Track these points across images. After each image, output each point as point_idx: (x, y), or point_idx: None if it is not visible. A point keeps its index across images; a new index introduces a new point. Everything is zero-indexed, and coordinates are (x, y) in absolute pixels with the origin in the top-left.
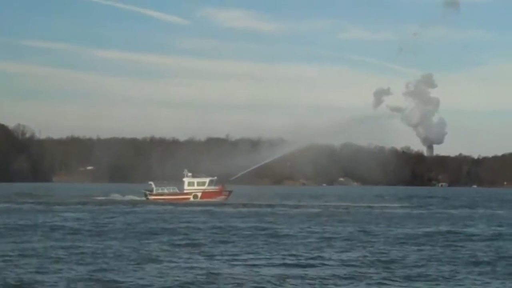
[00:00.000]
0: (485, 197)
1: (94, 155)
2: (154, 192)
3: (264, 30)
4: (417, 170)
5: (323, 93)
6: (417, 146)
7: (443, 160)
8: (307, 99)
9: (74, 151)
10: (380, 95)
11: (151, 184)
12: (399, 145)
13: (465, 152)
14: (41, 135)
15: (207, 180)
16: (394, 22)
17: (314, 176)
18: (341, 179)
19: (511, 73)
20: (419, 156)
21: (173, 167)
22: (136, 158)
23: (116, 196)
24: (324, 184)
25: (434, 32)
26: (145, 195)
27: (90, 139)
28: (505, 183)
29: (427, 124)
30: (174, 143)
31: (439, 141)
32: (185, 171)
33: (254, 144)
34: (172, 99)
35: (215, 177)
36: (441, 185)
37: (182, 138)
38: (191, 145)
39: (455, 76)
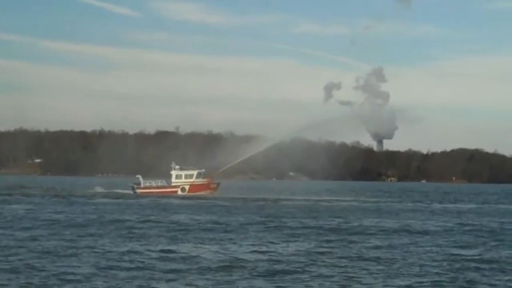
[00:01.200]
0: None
1: (42, 148)
2: (142, 185)
3: (215, 23)
4: (367, 165)
5: (273, 86)
6: (367, 141)
7: (392, 155)
8: (257, 92)
9: (22, 144)
10: (330, 89)
11: (138, 178)
12: (349, 140)
13: (415, 148)
14: None
15: (194, 172)
16: (346, 16)
17: (264, 171)
18: (291, 173)
19: (462, 68)
20: (369, 151)
21: (122, 161)
22: (85, 151)
23: (100, 190)
24: (274, 179)
25: (386, 27)
26: (133, 189)
27: (38, 132)
28: (453, 178)
29: (376, 119)
30: (123, 136)
31: (389, 136)
32: (173, 164)
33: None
34: (121, 91)
35: (203, 170)
36: (391, 180)
37: (131, 131)
38: (140, 138)
39: (406, 71)
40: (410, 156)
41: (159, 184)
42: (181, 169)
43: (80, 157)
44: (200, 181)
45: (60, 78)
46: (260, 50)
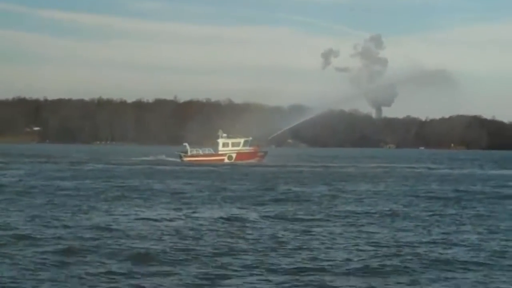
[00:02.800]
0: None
1: (40, 116)
2: (189, 153)
3: None
4: (366, 132)
5: (270, 55)
6: (366, 108)
7: (391, 122)
8: (255, 61)
9: (21, 112)
10: (328, 56)
11: (185, 146)
12: (348, 107)
13: (413, 114)
14: None
15: (241, 140)
16: None
17: (263, 138)
18: (290, 140)
19: (460, 36)
20: (367, 118)
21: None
22: (83, 119)
23: (149, 157)
24: (273, 146)
25: None
26: (180, 157)
27: (36, 100)
28: (452, 145)
29: (375, 86)
30: (122, 104)
31: (388, 103)
32: (220, 132)
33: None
34: (119, 60)
35: (250, 138)
36: (389, 147)
37: (129, 99)
38: (139, 106)
39: (406, 38)
40: (409, 123)
41: (206, 152)
42: (228, 137)
43: (78, 125)
44: (247, 149)
45: (58, 47)
46: (259, 19)
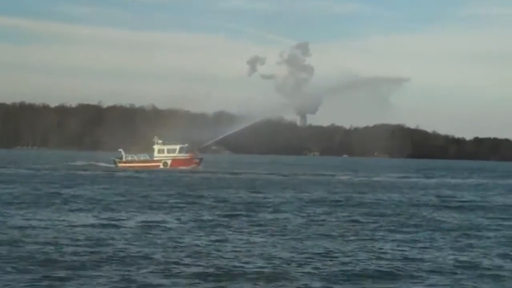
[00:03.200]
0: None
1: None
2: (124, 159)
3: None
4: (290, 140)
5: (197, 61)
6: (291, 115)
7: (315, 130)
8: (181, 67)
9: None
10: (254, 63)
11: (120, 152)
12: (273, 114)
13: (338, 123)
14: None
15: (177, 147)
16: None
17: (188, 143)
18: (214, 147)
19: (386, 45)
20: (292, 126)
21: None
22: (4, 124)
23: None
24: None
25: (314, 3)
26: (114, 162)
27: None
28: (375, 153)
29: (300, 93)
30: (44, 108)
31: (313, 111)
32: (155, 138)
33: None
34: (42, 64)
35: (186, 144)
36: (313, 154)
37: (52, 104)
38: (62, 111)
39: (331, 46)
40: (333, 131)
41: (141, 158)
42: (163, 143)
43: None
44: (182, 155)
45: None
46: (187, 25)
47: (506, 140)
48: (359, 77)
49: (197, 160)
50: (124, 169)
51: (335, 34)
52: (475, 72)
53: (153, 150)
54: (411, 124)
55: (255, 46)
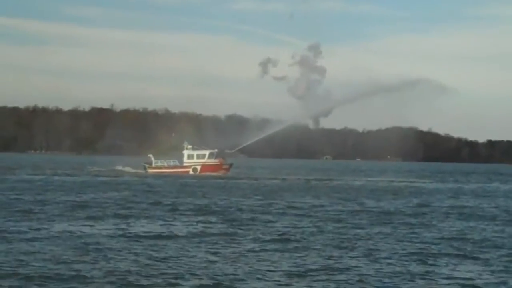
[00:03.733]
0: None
1: None
2: (153, 165)
3: None
4: (303, 143)
5: (209, 64)
6: (304, 118)
7: (328, 133)
8: (193, 70)
9: None
10: (266, 65)
11: (150, 157)
12: (285, 117)
13: (351, 126)
14: None
15: (207, 152)
16: None
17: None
18: (227, 151)
19: (397, 47)
20: (304, 129)
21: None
22: (18, 128)
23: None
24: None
25: (326, 4)
26: (144, 168)
27: None
28: (388, 156)
29: (313, 95)
30: (57, 112)
31: (325, 114)
32: (185, 143)
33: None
34: (54, 67)
35: (216, 150)
36: (326, 158)
37: (65, 107)
38: (75, 114)
39: (345, 48)
40: (346, 134)
41: (171, 163)
42: (193, 148)
43: (12, 133)
44: (212, 161)
45: None
46: (198, 27)
47: None
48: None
49: (227, 166)
50: (155, 175)
51: (347, 35)
52: (489, 74)
53: (182, 155)
54: (423, 127)
55: (266, 48)
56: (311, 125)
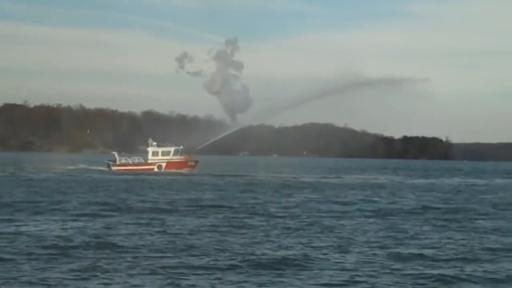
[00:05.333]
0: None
1: None
2: (118, 162)
3: None
4: (220, 139)
5: (124, 60)
6: (221, 114)
7: (245, 129)
8: (107, 65)
9: None
10: (182, 60)
11: (114, 154)
12: (202, 113)
13: (268, 122)
14: None
15: (172, 149)
16: None
17: (115, 144)
18: (141, 147)
19: (312, 43)
20: (221, 125)
21: None
22: None
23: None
24: (123, 152)
25: (242, 0)
26: (108, 166)
27: None
28: (304, 152)
29: (229, 90)
30: None
31: (243, 109)
32: (150, 140)
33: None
34: None
35: (181, 147)
36: (243, 154)
37: None
38: None
39: (261, 45)
40: (263, 130)
41: (136, 161)
42: (158, 145)
43: None
44: (177, 158)
45: None
46: (111, 22)
47: (434, 139)
48: (284, 78)
49: (192, 163)
50: (120, 173)
51: (265, 31)
52: (407, 70)
53: (146, 152)
54: (339, 123)
55: (183, 44)
56: (228, 121)
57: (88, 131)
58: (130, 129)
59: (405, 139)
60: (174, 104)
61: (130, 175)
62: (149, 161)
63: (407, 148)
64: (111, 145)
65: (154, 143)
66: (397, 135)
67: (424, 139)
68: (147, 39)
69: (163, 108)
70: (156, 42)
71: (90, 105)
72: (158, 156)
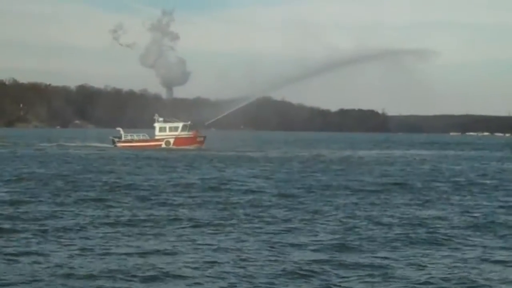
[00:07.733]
0: None
1: None
2: (123, 139)
3: None
4: (155, 113)
5: (58, 33)
6: (156, 88)
7: (181, 103)
8: (40, 39)
9: None
10: (116, 32)
11: (119, 131)
12: (137, 87)
13: (204, 95)
14: None
15: (180, 125)
16: None
17: (48, 119)
18: (77, 121)
19: (249, 16)
20: (157, 99)
21: None
22: None
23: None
24: (58, 127)
25: None
26: (113, 142)
27: None
28: (241, 126)
29: (165, 62)
30: None
31: (180, 83)
32: (156, 116)
33: None
34: None
35: (189, 122)
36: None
37: None
38: None
39: (197, 17)
40: (199, 104)
41: (141, 137)
42: (165, 121)
43: None
44: (185, 134)
45: None
46: None
47: (370, 111)
48: (220, 51)
49: (201, 139)
50: (125, 149)
51: (200, 3)
52: (342, 44)
53: (153, 128)
54: (277, 96)
55: (118, 15)
56: (164, 94)
57: (21, 106)
58: (65, 104)
59: (342, 112)
60: (109, 78)
61: (141, 151)
62: (156, 137)
63: (344, 121)
64: (45, 119)
65: (161, 119)
66: (334, 108)
67: (360, 112)
68: (83, 11)
69: (97, 82)
70: (92, 13)
71: (24, 79)
72: (166, 131)
